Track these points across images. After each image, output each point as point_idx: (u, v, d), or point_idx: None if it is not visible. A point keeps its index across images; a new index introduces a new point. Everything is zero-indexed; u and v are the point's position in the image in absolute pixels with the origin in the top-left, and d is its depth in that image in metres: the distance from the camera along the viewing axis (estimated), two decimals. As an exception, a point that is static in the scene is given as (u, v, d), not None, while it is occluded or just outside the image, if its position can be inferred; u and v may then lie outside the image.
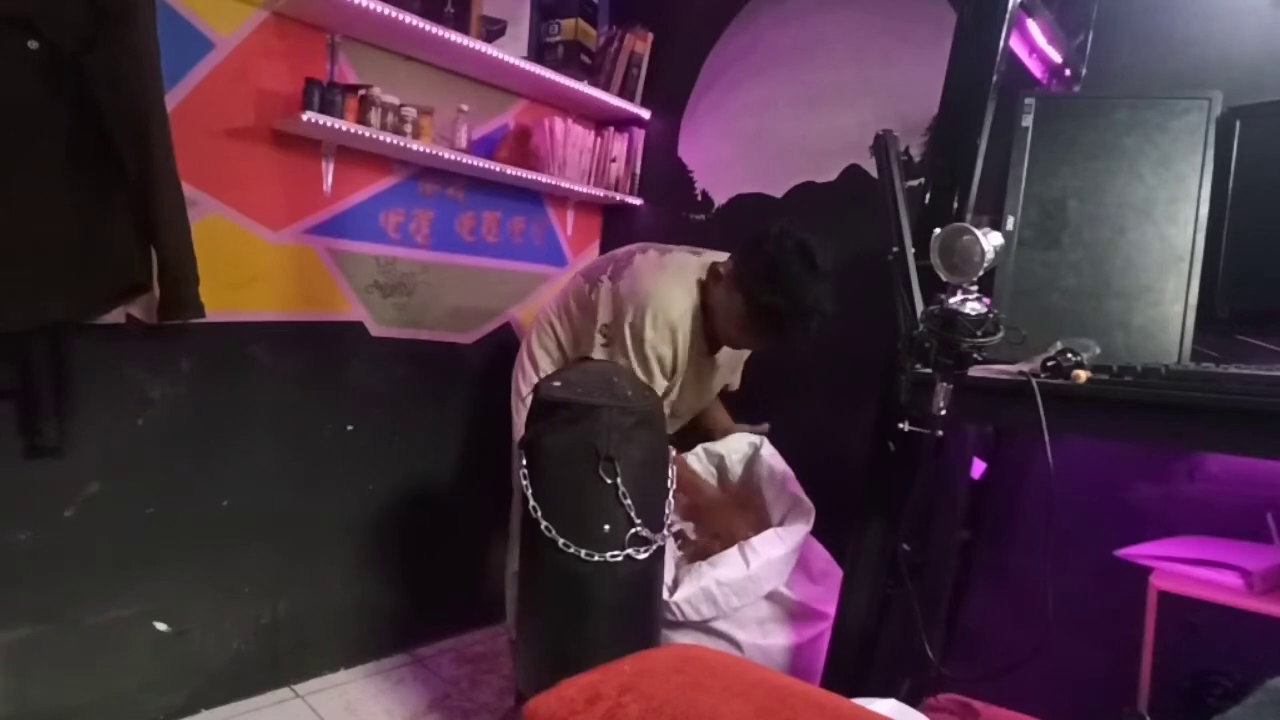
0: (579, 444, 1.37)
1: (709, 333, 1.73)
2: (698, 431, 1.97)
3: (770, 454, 1.83)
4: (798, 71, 2.19)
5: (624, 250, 1.85)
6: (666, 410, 1.72)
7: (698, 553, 1.75)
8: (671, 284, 1.67)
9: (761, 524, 1.72)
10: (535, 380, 1.64)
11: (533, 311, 2.44)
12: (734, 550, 1.59)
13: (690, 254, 1.78)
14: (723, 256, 1.74)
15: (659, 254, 1.78)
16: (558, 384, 1.45)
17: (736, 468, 1.86)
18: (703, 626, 1.59)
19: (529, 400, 1.50)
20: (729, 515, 1.76)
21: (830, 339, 2.05)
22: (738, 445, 1.88)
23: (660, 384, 1.67)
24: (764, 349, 1.74)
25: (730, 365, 1.93)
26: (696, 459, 1.86)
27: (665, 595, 1.54)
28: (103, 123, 1.42)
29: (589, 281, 1.81)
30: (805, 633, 1.62)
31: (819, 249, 1.55)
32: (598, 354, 1.71)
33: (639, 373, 1.63)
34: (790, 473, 1.80)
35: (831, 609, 1.59)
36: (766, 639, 1.59)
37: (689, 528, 1.85)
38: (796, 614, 1.64)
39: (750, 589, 1.56)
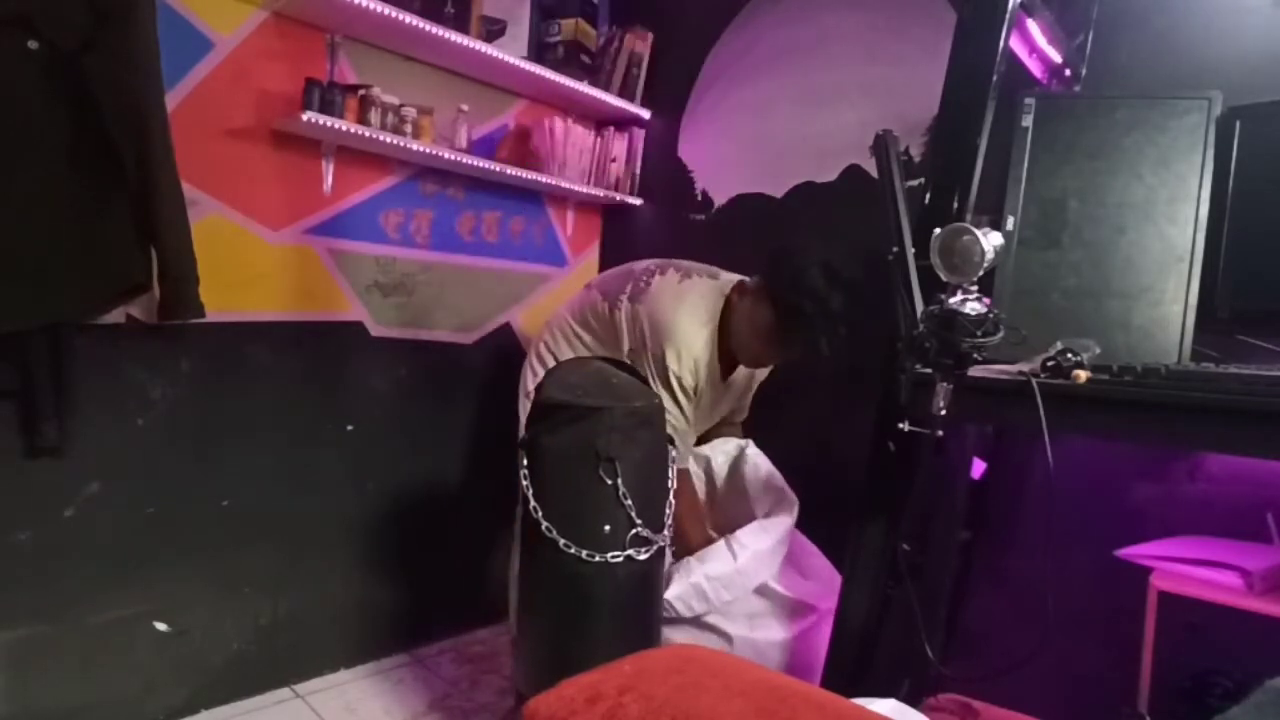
0: (580, 445, 1.37)
1: (724, 355, 1.74)
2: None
3: (755, 454, 1.84)
4: (798, 71, 2.19)
5: (642, 267, 1.85)
6: (692, 434, 1.76)
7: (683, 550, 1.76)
8: (693, 317, 1.69)
9: (745, 522, 1.73)
10: None
11: (533, 312, 2.44)
12: (721, 545, 1.61)
13: (709, 278, 1.79)
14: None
15: (678, 276, 1.78)
16: (558, 385, 1.45)
17: (722, 469, 1.87)
18: (694, 621, 1.59)
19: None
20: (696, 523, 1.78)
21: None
22: (724, 447, 1.89)
23: (687, 410, 1.71)
24: (790, 357, 1.73)
25: (740, 389, 1.93)
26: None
27: None
28: (103, 123, 1.42)
29: (608, 300, 1.82)
30: (796, 626, 1.62)
31: (843, 262, 1.58)
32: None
33: (665, 399, 1.65)
34: (775, 470, 1.82)
35: (822, 603, 1.60)
36: (756, 632, 1.59)
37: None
38: (787, 608, 1.64)
39: (739, 582, 1.58)
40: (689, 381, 1.68)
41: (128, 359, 1.64)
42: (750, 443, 1.87)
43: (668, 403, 1.67)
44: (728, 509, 1.87)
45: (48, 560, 1.56)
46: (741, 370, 1.85)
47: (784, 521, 1.67)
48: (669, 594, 1.56)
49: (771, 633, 1.60)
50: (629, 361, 1.72)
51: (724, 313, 1.72)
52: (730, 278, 1.79)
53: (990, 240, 1.04)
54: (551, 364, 1.87)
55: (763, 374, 1.95)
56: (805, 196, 2.15)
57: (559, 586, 1.38)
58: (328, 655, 2.06)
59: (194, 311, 1.57)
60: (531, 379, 1.90)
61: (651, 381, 1.68)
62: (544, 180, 2.28)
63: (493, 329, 2.36)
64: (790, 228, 2.15)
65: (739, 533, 1.61)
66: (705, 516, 1.83)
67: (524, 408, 1.89)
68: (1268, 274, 1.27)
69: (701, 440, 1.93)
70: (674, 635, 1.58)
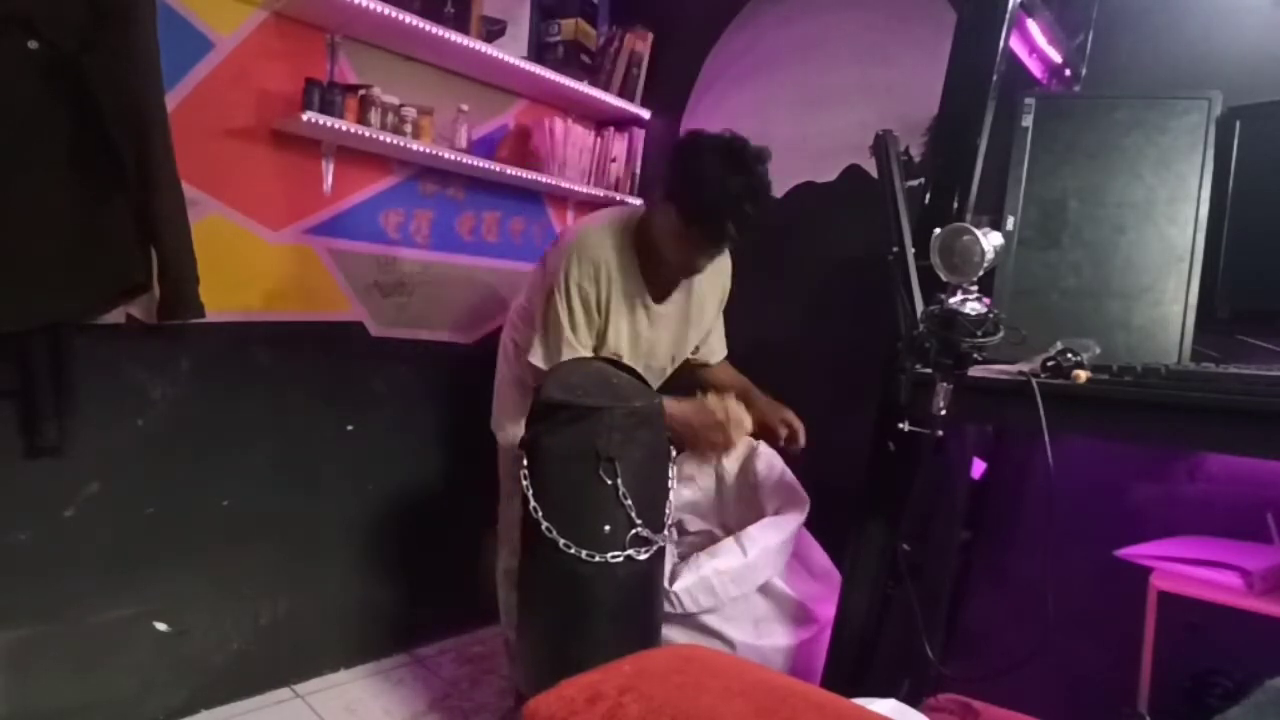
0: (580, 445, 1.37)
1: (652, 279, 1.65)
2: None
3: (768, 452, 1.84)
4: (798, 71, 2.19)
5: None
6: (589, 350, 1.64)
7: (695, 545, 1.76)
8: (596, 225, 1.64)
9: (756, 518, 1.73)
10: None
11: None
12: (730, 539, 1.61)
13: (624, 207, 1.74)
14: None
15: (591, 215, 1.75)
16: (558, 385, 1.45)
17: (733, 465, 1.87)
18: (697, 624, 1.59)
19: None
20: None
21: (830, 339, 2.06)
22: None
23: (580, 324, 1.60)
24: (707, 251, 1.60)
25: (695, 316, 1.80)
26: (694, 456, 1.87)
27: (665, 584, 1.55)
28: (103, 123, 1.42)
29: (540, 262, 1.79)
30: (800, 634, 1.62)
31: (741, 143, 1.50)
32: (519, 300, 1.67)
33: (561, 317, 1.57)
34: (786, 469, 1.81)
35: (826, 612, 1.60)
36: (760, 639, 1.60)
37: (687, 519, 1.86)
38: (792, 614, 1.64)
39: (748, 577, 1.58)
40: (589, 289, 1.59)
41: (128, 359, 1.64)
42: (762, 442, 1.87)
43: (561, 316, 1.58)
44: (738, 506, 1.87)
45: (48, 560, 1.56)
46: (692, 297, 1.75)
47: (794, 519, 1.67)
48: (677, 586, 1.55)
49: (775, 639, 1.61)
50: (539, 301, 1.65)
51: (642, 233, 1.63)
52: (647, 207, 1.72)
53: (990, 240, 1.04)
54: (510, 349, 1.85)
55: (716, 293, 1.82)
56: (805, 196, 2.15)
57: (559, 586, 1.38)
58: (328, 655, 2.06)
59: (194, 311, 1.57)
60: (504, 363, 1.88)
61: (552, 297, 1.58)
62: (544, 180, 2.28)
63: (493, 329, 2.36)
64: (790, 228, 2.15)
65: (750, 528, 1.62)
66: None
67: (498, 397, 1.88)
68: (1268, 274, 1.27)
69: (675, 379, 1.86)
70: (676, 638, 1.58)
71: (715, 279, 1.80)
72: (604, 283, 1.60)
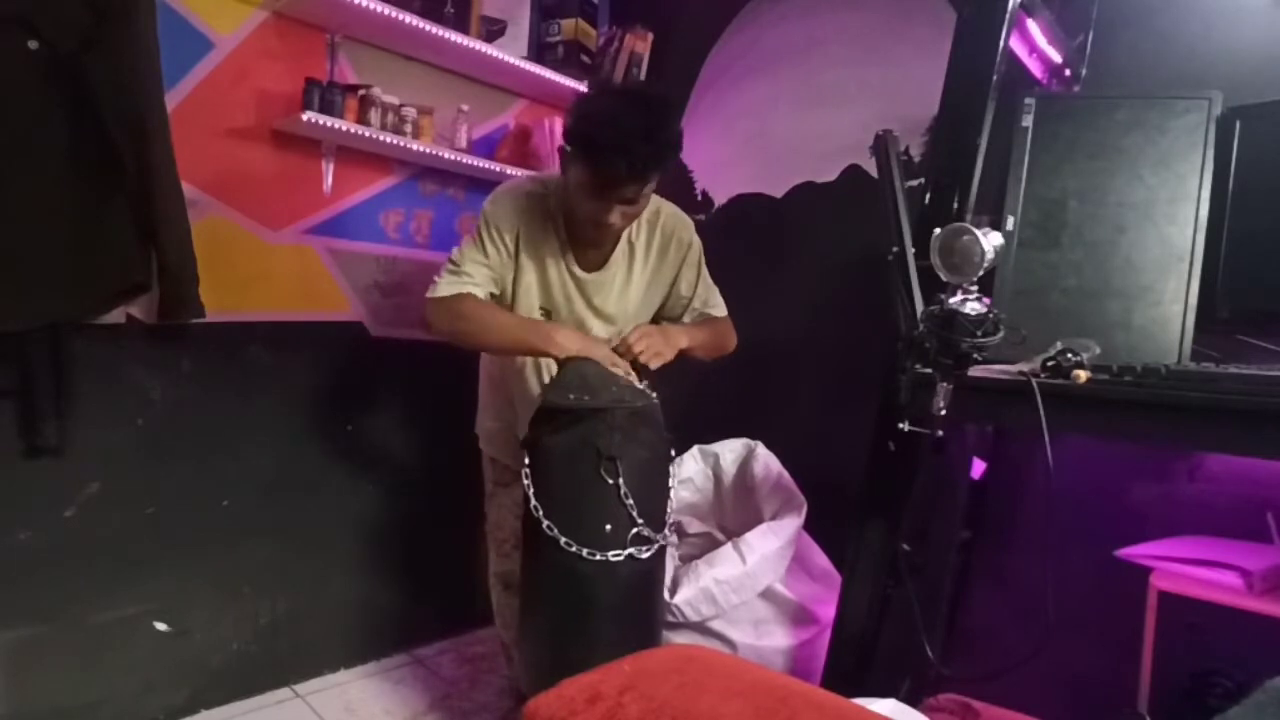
0: (581, 444, 1.37)
1: (577, 241, 1.56)
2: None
3: (766, 454, 1.84)
4: (798, 71, 2.19)
5: None
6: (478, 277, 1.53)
7: (695, 546, 1.76)
8: (507, 185, 1.59)
9: (753, 523, 1.73)
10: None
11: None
12: (729, 547, 1.61)
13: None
14: None
15: None
16: (560, 386, 1.45)
17: (730, 467, 1.88)
18: (699, 626, 1.59)
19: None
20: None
21: (829, 339, 2.06)
22: (732, 445, 1.89)
23: (493, 257, 1.52)
24: (613, 193, 1.45)
25: (653, 288, 1.68)
26: (692, 459, 1.88)
27: (666, 597, 1.55)
28: (103, 123, 1.42)
29: None
30: (800, 635, 1.62)
31: (641, 88, 1.48)
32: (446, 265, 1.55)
33: (465, 247, 1.52)
34: (784, 471, 1.81)
35: (826, 613, 1.61)
36: (761, 640, 1.60)
37: (686, 520, 1.86)
38: (792, 615, 1.65)
39: (748, 585, 1.58)
40: (504, 227, 1.52)
41: (128, 359, 1.64)
42: (759, 444, 1.87)
43: (466, 248, 1.52)
44: (735, 507, 1.87)
45: (48, 560, 1.56)
46: (640, 265, 1.64)
47: (792, 523, 1.67)
48: (677, 599, 1.56)
49: (775, 640, 1.61)
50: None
51: (560, 194, 1.54)
52: None
53: (990, 240, 1.04)
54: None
55: (673, 261, 1.67)
56: (805, 196, 2.15)
57: (560, 586, 1.38)
58: (328, 655, 2.06)
59: (194, 311, 1.57)
60: (481, 364, 1.86)
61: (463, 245, 1.53)
62: (544, 180, 2.28)
63: (493, 329, 2.36)
64: (790, 228, 2.16)
65: (748, 535, 1.61)
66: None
67: (480, 398, 1.86)
68: (1268, 274, 1.27)
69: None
70: (676, 638, 1.58)
71: (665, 243, 1.65)
72: (512, 235, 1.53)
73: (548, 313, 1.62)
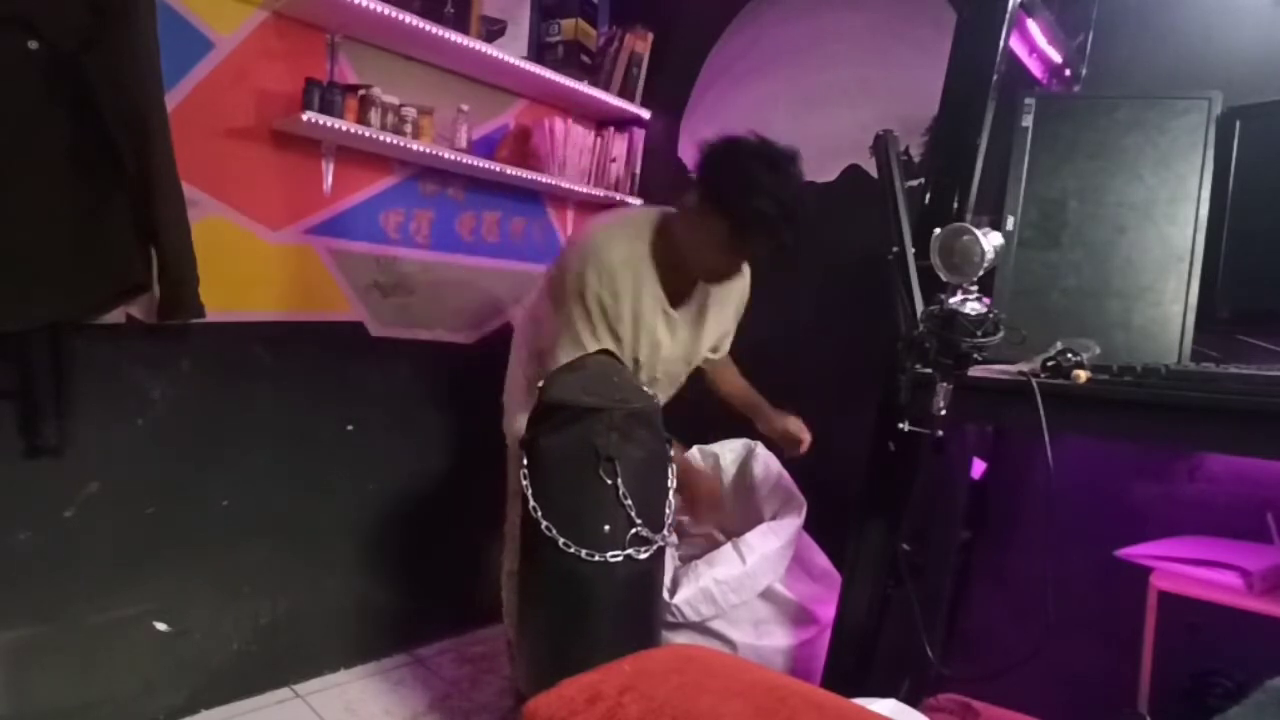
0: (579, 444, 1.37)
1: (671, 284, 1.60)
2: (723, 406, 1.89)
3: (765, 454, 1.84)
4: (798, 71, 2.19)
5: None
6: (643, 376, 1.62)
7: (696, 546, 1.76)
8: (614, 229, 1.58)
9: (753, 523, 1.73)
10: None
11: (533, 311, 2.45)
12: (729, 547, 1.61)
13: (641, 209, 1.71)
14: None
15: (606, 215, 1.70)
16: (558, 385, 1.45)
17: (730, 468, 1.88)
18: (699, 626, 1.59)
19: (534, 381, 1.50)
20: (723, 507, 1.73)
21: (829, 339, 2.06)
22: (732, 445, 1.89)
23: (603, 334, 1.55)
24: (754, 258, 1.59)
25: (713, 326, 1.75)
26: (692, 459, 1.88)
27: (665, 597, 1.55)
28: (103, 123, 1.42)
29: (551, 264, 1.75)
30: (800, 635, 1.62)
31: (780, 148, 1.46)
32: (540, 302, 1.62)
33: (579, 327, 1.53)
34: (784, 471, 1.81)
35: (826, 613, 1.61)
36: (761, 640, 1.60)
37: (687, 520, 1.86)
38: (792, 615, 1.64)
39: (748, 585, 1.58)
40: (608, 300, 1.53)
41: (128, 359, 1.64)
42: (759, 444, 1.87)
43: (578, 322, 1.54)
44: (735, 507, 1.87)
45: (48, 560, 1.56)
46: (709, 302, 1.70)
47: (792, 523, 1.67)
48: (677, 598, 1.56)
49: (775, 640, 1.61)
50: (551, 305, 1.61)
51: (666, 237, 1.57)
52: (666, 209, 1.66)
53: (990, 240, 1.04)
54: (522, 352, 1.82)
55: (735, 297, 1.77)
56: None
57: (559, 586, 1.38)
58: (328, 655, 2.06)
59: (194, 312, 1.57)
60: (516, 365, 1.86)
61: (570, 312, 1.54)
62: (544, 180, 2.28)
63: (493, 329, 2.36)
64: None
65: (747, 535, 1.61)
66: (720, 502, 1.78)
67: (509, 398, 1.86)
68: (1268, 274, 1.27)
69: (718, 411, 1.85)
70: (676, 638, 1.58)
71: (735, 282, 1.73)
72: (623, 292, 1.55)
73: (651, 351, 1.65)
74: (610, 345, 1.57)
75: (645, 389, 1.50)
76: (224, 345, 1.78)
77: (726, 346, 1.88)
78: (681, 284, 1.63)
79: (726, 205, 1.45)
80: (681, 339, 1.70)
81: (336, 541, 2.05)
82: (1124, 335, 1.29)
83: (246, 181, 1.78)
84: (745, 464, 1.85)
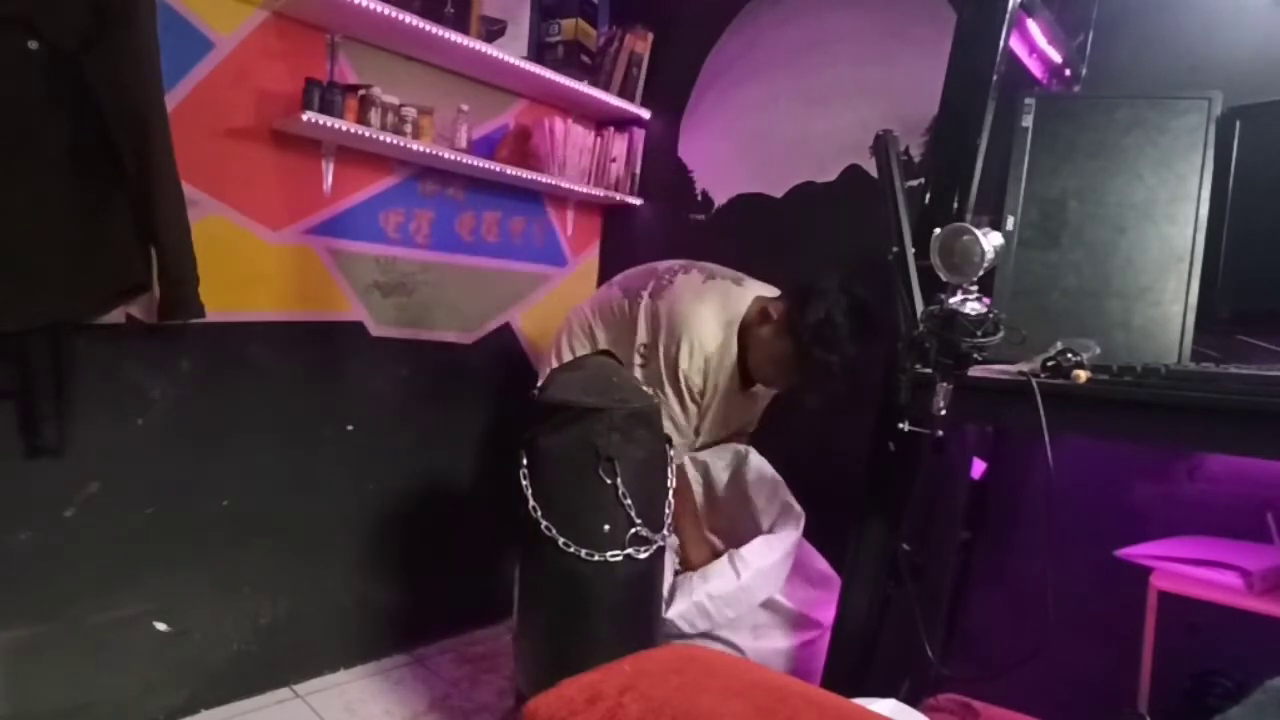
0: (579, 444, 1.37)
1: (743, 368, 1.74)
2: None
3: (758, 461, 1.82)
4: (798, 71, 2.19)
5: (666, 265, 1.85)
6: (691, 436, 1.78)
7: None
8: (710, 316, 1.69)
9: (749, 532, 1.72)
10: None
11: (533, 312, 2.45)
12: (724, 561, 1.59)
13: (733, 282, 1.78)
14: (767, 290, 1.78)
15: (702, 277, 1.78)
16: (558, 385, 1.45)
17: (723, 475, 1.85)
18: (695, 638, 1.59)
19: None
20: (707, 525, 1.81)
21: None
22: (722, 453, 1.87)
23: (691, 412, 1.71)
24: (800, 388, 1.73)
25: (756, 403, 1.93)
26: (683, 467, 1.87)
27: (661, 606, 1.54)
28: (103, 123, 1.42)
29: (628, 297, 1.82)
30: (799, 638, 1.62)
31: (877, 311, 1.56)
32: (636, 373, 1.73)
33: (671, 399, 1.66)
34: (780, 479, 1.79)
35: (826, 616, 1.60)
36: (759, 642, 1.59)
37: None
38: (792, 622, 1.64)
39: (743, 599, 1.56)
40: (696, 381, 1.68)
41: (128, 359, 1.64)
42: (752, 449, 1.86)
43: (671, 401, 1.66)
44: (729, 514, 1.85)
45: (48, 560, 1.56)
46: (760, 387, 1.85)
47: (790, 536, 1.65)
48: (671, 613, 1.54)
49: (775, 642, 1.60)
50: (641, 360, 1.71)
51: (746, 326, 1.71)
52: (753, 285, 1.79)
53: (990, 240, 1.04)
54: (557, 360, 1.87)
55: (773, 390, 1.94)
56: (805, 196, 2.15)
57: (558, 586, 1.38)
58: (328, 655, 2.06)
59: (194, 312, 1.57)
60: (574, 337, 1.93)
61: (660, 378, 1.67)
62: (544, 180, 2.28)
63: (493, 329, 2.36)
64: (790, 228, 2.15)
65: (743, 549, 1.60)
66: (703, 524, 1.82)
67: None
68: (1268, 274, 1.27)
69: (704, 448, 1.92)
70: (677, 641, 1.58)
71: None
72: (710, 378, 1.69)
73: (719, 424, 1.84)
74: (694, 418, 1.74)
75: (645, 389, 1.50)
76: (224, 345, 1.78)
77: (754, 423, 2.03)
78: (752, 373, 1.78)
79: (801, 345, 1.60)
80: (734, 413, 1.87)
81: (336, 541, 2.05)
82: (1124, 335, 1.29)
83: (246, 181, 1.78)
84: (738, 472, 1.83)
